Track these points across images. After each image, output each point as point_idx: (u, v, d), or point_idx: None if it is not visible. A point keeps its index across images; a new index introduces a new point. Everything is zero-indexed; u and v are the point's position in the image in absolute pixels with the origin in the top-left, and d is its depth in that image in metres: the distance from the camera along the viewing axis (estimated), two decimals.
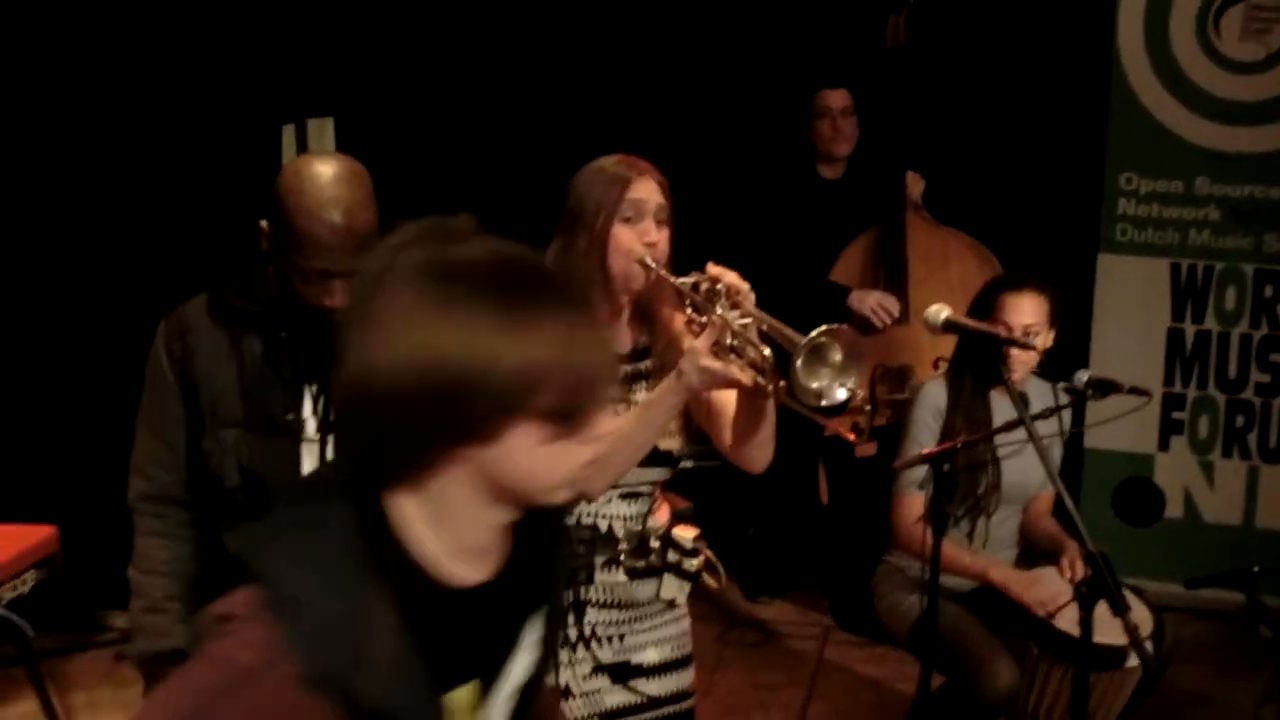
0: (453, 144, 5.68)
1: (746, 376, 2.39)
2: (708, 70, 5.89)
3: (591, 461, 2.42)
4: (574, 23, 5.79)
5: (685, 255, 2.70)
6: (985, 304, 3.74)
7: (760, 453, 2.64)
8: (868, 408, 2.18)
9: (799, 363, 2.23)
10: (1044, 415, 3.40)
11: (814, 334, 2.24)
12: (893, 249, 5.21)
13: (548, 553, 1.61)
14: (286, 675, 1.31)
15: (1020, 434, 3.33)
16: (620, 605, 2.79)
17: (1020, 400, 3.28)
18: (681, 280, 2.60)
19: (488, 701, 1.54)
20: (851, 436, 2.48)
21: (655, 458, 2.68)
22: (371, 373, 1.37)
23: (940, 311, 3.27)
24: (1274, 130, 5.51)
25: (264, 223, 2.45)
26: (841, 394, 2.28)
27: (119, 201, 5.24)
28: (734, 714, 4.59)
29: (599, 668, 2.78)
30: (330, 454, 2.51)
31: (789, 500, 5.57)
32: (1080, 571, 3.58)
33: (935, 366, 4.05)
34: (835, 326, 2.28)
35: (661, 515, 2.84)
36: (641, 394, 2.74)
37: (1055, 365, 3.61)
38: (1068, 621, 3.32)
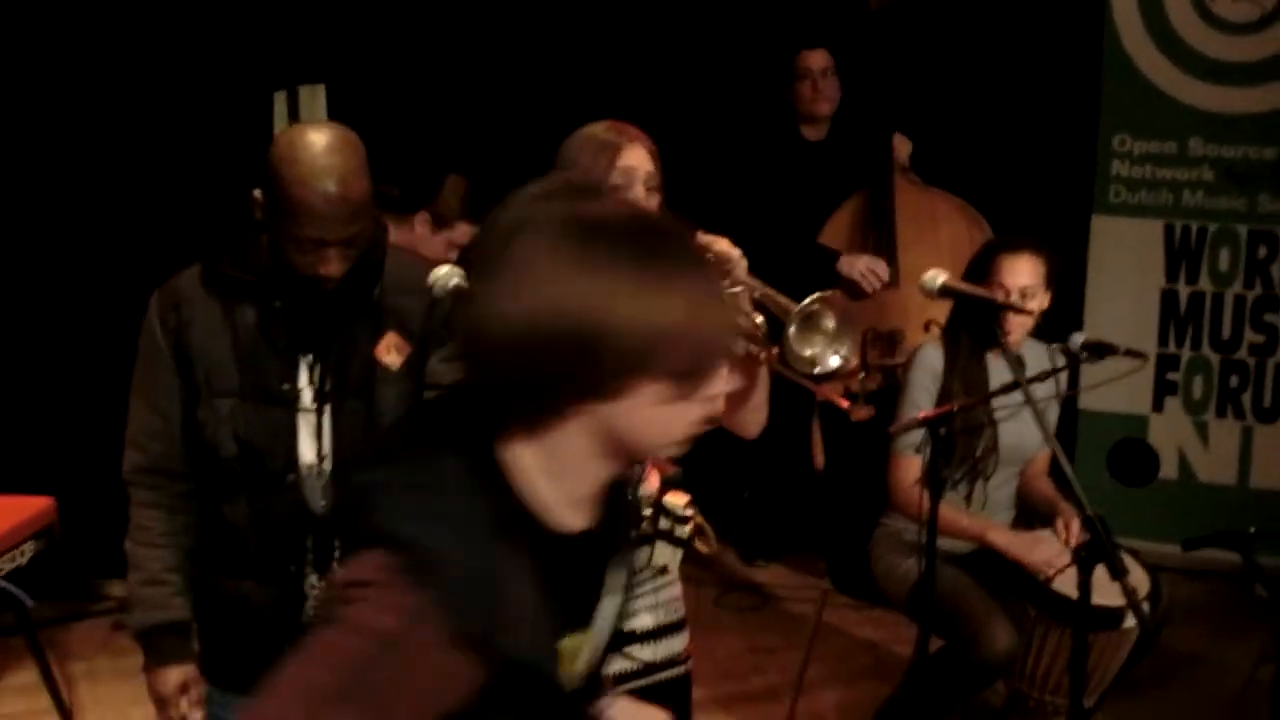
0: (443, 110, 5.66)
1: (739, 345, 2.39)
2: (689, 32, 5.86)
3: None
4: None
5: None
6: (981, 266, 3.74)
7: (754, 418, 2.66)
8: (861, 374, 2.18)
9: (792, 330, 2.23)
10: (1040, 378, 3.40)
11: (807, 301, 2.24)
12: (881, 212, 5.20)
13: (619, 500, 1.63)
14: (432, 636, 1.32)
15: (1017, 397, 3.33)
16: None
17: (1017, 363, 3.29)
18: None
19: (583, 647, 1.57)
20: (844, 404, 2.48)
21: None
22: (507, 320, 1.38)
23: (937, 277, 3.27)
24: (1268, 90, 5.50)
25: (257, 192, 2.43)
26: (835, 361, 2.29)
27: (112, 172, 5.22)
28: (731, 677, 4.61)
29: None
30: (328, 424, 2.50)
31: (784, 463, 5.58)
32: (1077, 534, 3.60)
33: (926, 329, 4.05)
34: (828, 293, 2.28)
35: (651, 482, 2.84)
36: None
37: (1050, 327, 3.62)
38: (1066, 584, 3.33)
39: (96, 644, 4.89)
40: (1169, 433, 5.73)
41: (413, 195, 4.42)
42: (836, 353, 2.28)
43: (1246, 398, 5.65)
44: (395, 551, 1.35)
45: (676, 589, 2.94)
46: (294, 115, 5.17)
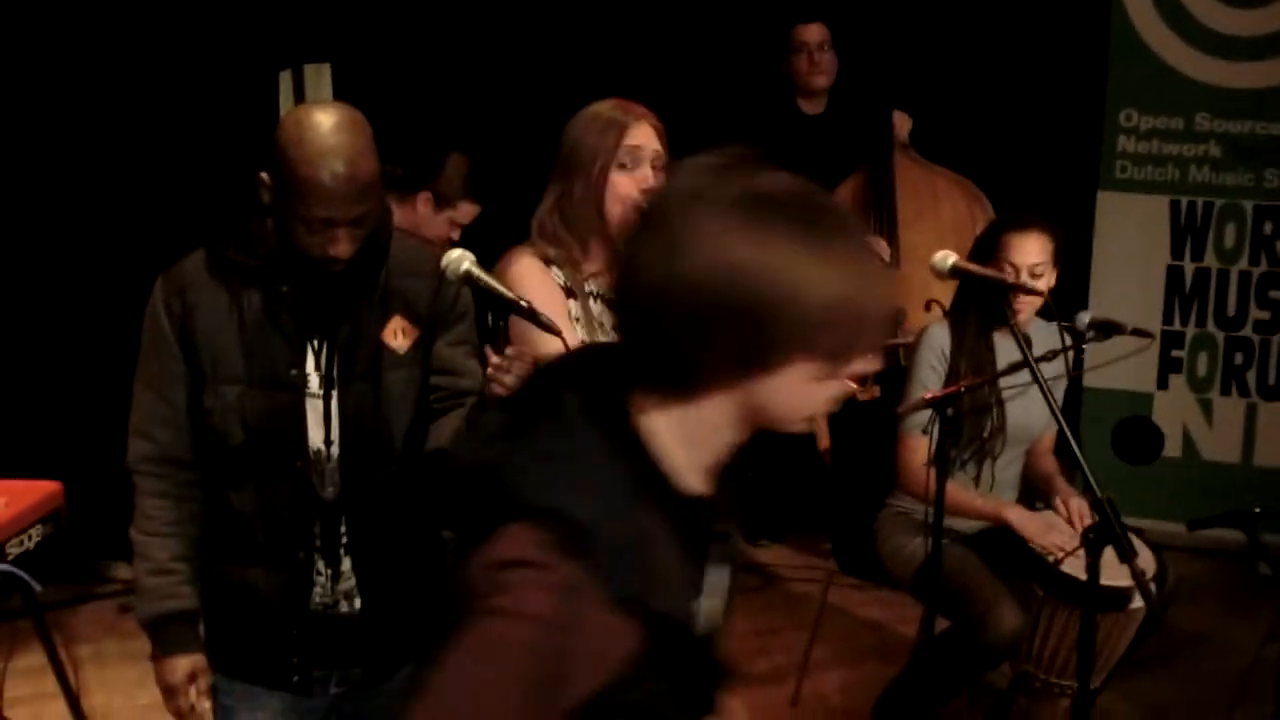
0: (445, 88, 5.63)
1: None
2: (685, 7, 5.84)
3: None
4: None
5: None
6: (989, 244, 3.72)
7: None
8: (901, 350, 2.18)
9: None
10: (1048, 357, 3.39)
11: None
12: (881, 191, 5.18)
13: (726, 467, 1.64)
14: (592, 607, 1.33)
15: (1024, 376, 3.32)
16: None
17: (1025, 342, 3.28)
18: None
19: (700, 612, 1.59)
20: (855, 387, 2.47)
21: None
22: (678, 289, 1.38)
23: (947, 258, 3.26)
24: (1275, 65, 5.48)
25: (264, 174, 2.41)
26: None
27: (117, 157, 5.20)
28: (736, 658, 4.59)
29: None
30: (335, 409, 2.48)
31: (787, 443, 5.54)
32: (1077, 514, 3.60)
33: (927, 309, 4.04)
34: None
35: None
36: None
37: (1055, 304, 3.60)
38: (1073, 565, 3.33)
39: (103, 627, 4.90)
40: (1173, 410, 5.72)
41: (415, 174, 4.40)
42: None
43: (1251, 375, 5.64)
44: (543, 524, 1.35)
45: None
46: (299, 95, 5.14)
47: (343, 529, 2.54)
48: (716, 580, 1.59)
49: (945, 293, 4.17)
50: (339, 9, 5.38)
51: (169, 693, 2.58)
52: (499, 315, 2.32)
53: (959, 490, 3.66)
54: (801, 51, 5.28)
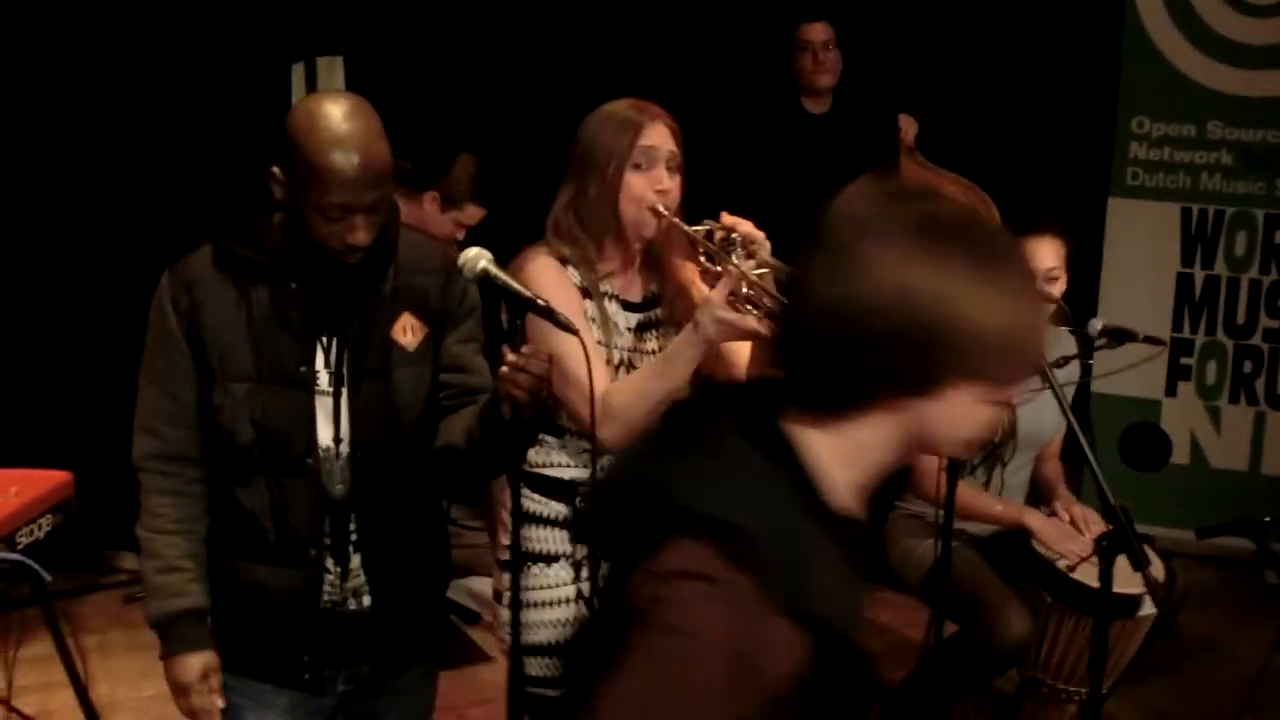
0: (455, 88, 5.64)
1: (764, 328, 2.39)
2: (690, 6, 5.84)
3: (611, 416, 2.42)
4: None
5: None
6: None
7: None
8: None
9: None
10: (1061, 363, 3.39)
11: None
12: None
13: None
14: (763, 619, 1.35)
15: (1034, 382, 3.32)
16: None
17: None
18: (695, 229, 2.59)
19: None
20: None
21: None
22: (851, 310, 1.40)
23: None
24: None
25: (276, 168, 2.39)
26: None
27: (130, 149, 5.20)
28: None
29: None
30: (345, 406, 2.47)
31: None
32: (1082, 521, 3.61)
33: None
34: None
35: None
36: (652, 343, 2.74)
37: (1064, 310, 3.60)
38: (1083, 572, 3.33)
39: (109, 617, 4.90)
40: (1181, 418, 5.71)
41: (424, 173, 4.42)
42: None
43: (1260, 384, 5.63)
44: (712, 536, 1.36)
45: None
46: (312, 87, 5.15)
47: (352, 526, 2.52)
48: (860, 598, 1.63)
49: None
50: (349, 5, 5.38)
51: (181, 691, 2.54)
52: (516, 313, 2.31)
53: (977, 495, 3.67)
54: (806, 50, 5.28)
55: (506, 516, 2.68)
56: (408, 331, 2.52)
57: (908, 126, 5.33)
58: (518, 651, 2.49)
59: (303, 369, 2.46)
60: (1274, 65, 5.48)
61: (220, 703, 2.54)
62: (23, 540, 3.27)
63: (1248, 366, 5.65)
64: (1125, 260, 5.66)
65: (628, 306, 2.74)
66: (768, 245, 2.48)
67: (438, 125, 5.21)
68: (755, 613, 1.34)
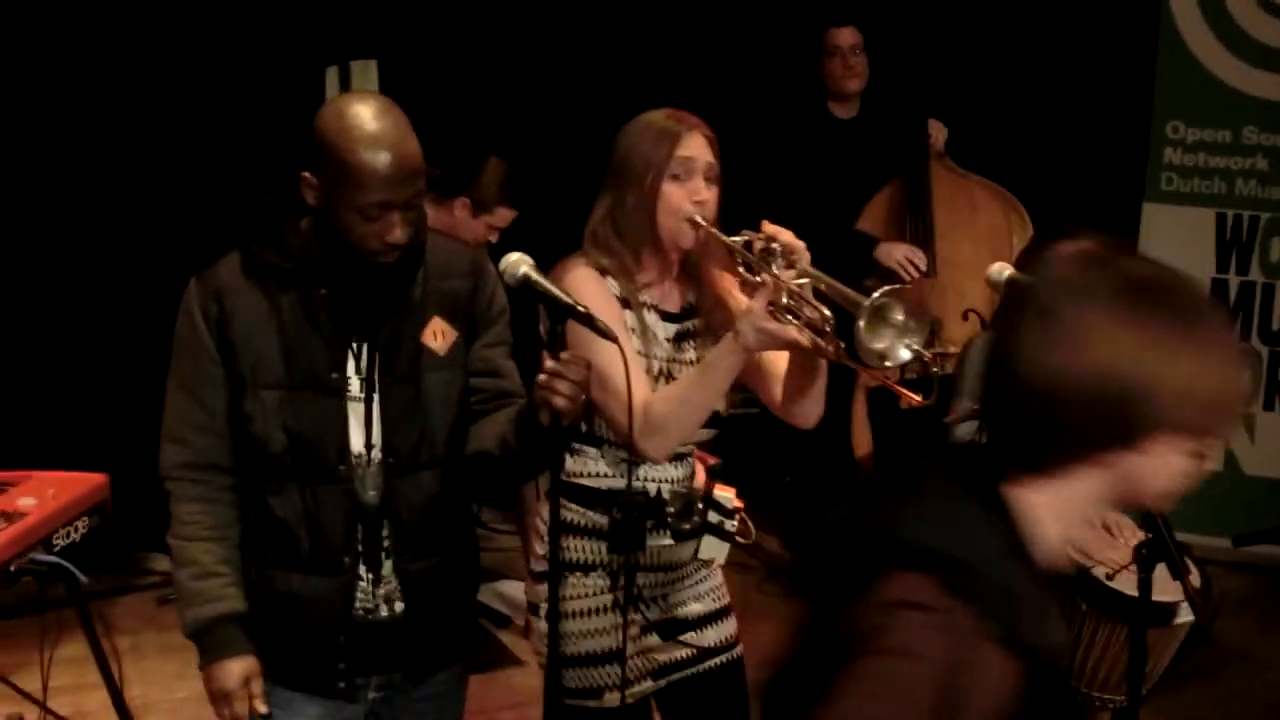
0: (484, 92, 5.64)
1: (805, 337, 2.39)
2: (717, 12, 5.83)
3: (652, 426, 2.43)
4: None
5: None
6: (1038, 256, 3.69)
7: (813, 408, 2.66)
8: (935, 370, 2.17)
9: (862, 324, 2.21)
10: None
11: (876, 295, 2.22)
12: (918, 201, 5.17)
13: None
14: (983, 648, 1.44)
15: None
16: (664, 568, 2.79)
17: None
18: (734, 239, 2.59)
19: None
20: (917, 399, 2.47)
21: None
22: (1055, 374, 1.49)
23: (1003, 270, 3.23)
24: None
25: (307, 173, 2.38)
26: (905, 354, 2.27)
27: (166, 154, 5.23)
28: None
29: (648, 627, 2.79)
30: (376, 412, 2.46)
31: (825, 448, 5.55)
32: (1116, 529, 3.59)
33: (964, 319, 4.01)
34: (898, 286, 2.28)
35: (699, 475, 2.84)
36: (690, 353, 2.74)
37: None
38: (1122, 581, 3.31)
39: (142, 618, 4.92)
40: None
41: (453, 179, 4.42)
42: (908, 346, 2.27)
43: None
44: (933, 570, 1.47)
45: (718, 577, 2.95)
46: (346, 91, 5.16)
47: (384, 533, 2.52)
48: None
49: (983, 303, 4.15)
50: (383, 9, 5.40)
51: (222, 699, 2.51)
52: (556, 319, 2.31)
53: None
54: (835, 55, 5.26)
55: (542, 526, 2.69)
56: (438, 336, 2.52)
57: (937, 132, 5.31)
58: (555, 662, 2.48)
59: (334, 375, 2.46)
60: None
61: (263, 708, 2.52)
62: (59, 542, 3.28)
63: None
64: None
65: (666, 317, 2.74)
66: (807, 255, 2.47)
67: (466, 130, 5.22)
68: (972, 640, 1.43)
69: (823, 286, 2.39)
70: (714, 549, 2.82)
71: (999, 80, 5.70)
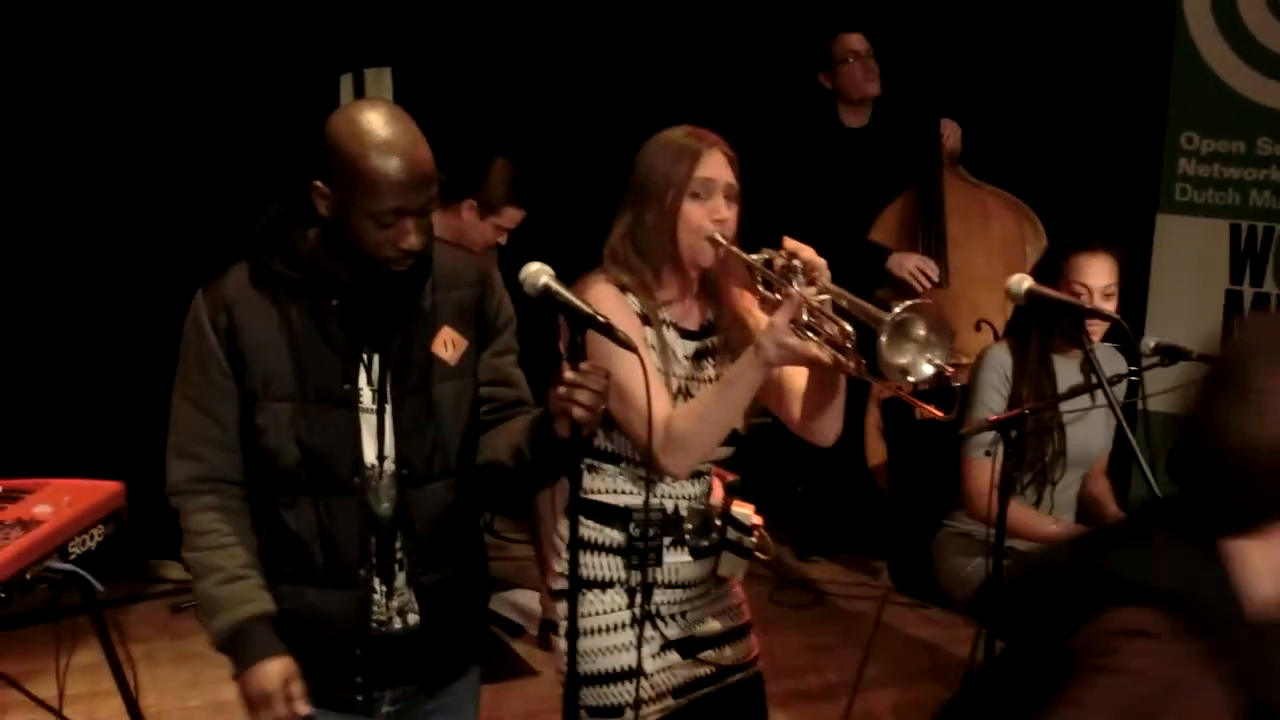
0: (490, 94, 5.65)
1: (826, 354, 2.39)
2: (723, 20, 5.84)
3: (673, 442, 2.42)
4: None
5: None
6: (1054, 267, 3.68)
7: (832, 425, 2.66)
8: (956, 384, 2.15)
9: (884, 340, 2.21)
10: (1116, 381, 3.36)
11: (898, 310, 2.22)
12: (930, 210, 5.17)
13: None
14: (1205, 677, 1.56)
15: (1083, 400, 3.29)
16: (683, 585, 2.79)
17: (1090, 366, 3.25)
18: (754, 256, 2.59)
19: None
20: (939, 413, 2.46)
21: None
22: (1256, 441, 1.61)
23: (1022, 282, 3.23)
24: None
25: (318, 182, 2.36)
26: (928, 369, 2.27)
27: (181, 162, 5.24)
28: (790, 674, 4.58)
29: (667, 644, 2.78)
30: (389, 423, 2.45)
31: (838, 459, 5.55)
32: None
33: (977, 329, 4.01)
34: (920, 301, 2.28)
35: (716, 492, 2.84)
36: (709, 371, 2.74)
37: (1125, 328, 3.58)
38: None
39: (155, 626, 4.92)
40: None
41: (460, 182, 4.42)
42: (930, 361, 2.27)
43: None
44: (1161, 606, 1.59)
45: (739, 593, 2.94)
46: (360, 97, 5.16)
47: (398, 544, 2.51)
48: None
49: (996, 313, 4.13)
50: (397, 16, 5.40)
51: (262, 703, 2.44)
52: (576, 330, 2.31)
53: (1030, 515, 3.65)
54: (853, 61, 5.26)
55: (560, 543, 2.68)
56: (448, 346, 2.51)
57: (949, 133, 5.31)
58: (574, 680, 2.47)
59: (346, 386, 2.44)
60: None
61: (305, 709, 2.46)
62: (75, 550, 3.27)
63: None
64: (1174, 277, 5.60)
65: (685, 334, 2.74)
66: (828, 272, 2.47)
67: (470, 136, 5.23)
68: (1198, 669, 1.56)
69: (844, 303, 2.39)
70: (733, 565, 2.81)
71: (1013, 90, 5.69)
